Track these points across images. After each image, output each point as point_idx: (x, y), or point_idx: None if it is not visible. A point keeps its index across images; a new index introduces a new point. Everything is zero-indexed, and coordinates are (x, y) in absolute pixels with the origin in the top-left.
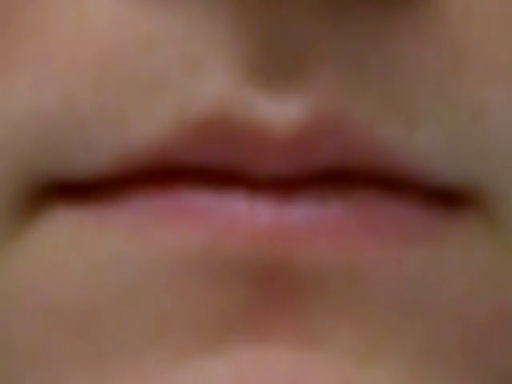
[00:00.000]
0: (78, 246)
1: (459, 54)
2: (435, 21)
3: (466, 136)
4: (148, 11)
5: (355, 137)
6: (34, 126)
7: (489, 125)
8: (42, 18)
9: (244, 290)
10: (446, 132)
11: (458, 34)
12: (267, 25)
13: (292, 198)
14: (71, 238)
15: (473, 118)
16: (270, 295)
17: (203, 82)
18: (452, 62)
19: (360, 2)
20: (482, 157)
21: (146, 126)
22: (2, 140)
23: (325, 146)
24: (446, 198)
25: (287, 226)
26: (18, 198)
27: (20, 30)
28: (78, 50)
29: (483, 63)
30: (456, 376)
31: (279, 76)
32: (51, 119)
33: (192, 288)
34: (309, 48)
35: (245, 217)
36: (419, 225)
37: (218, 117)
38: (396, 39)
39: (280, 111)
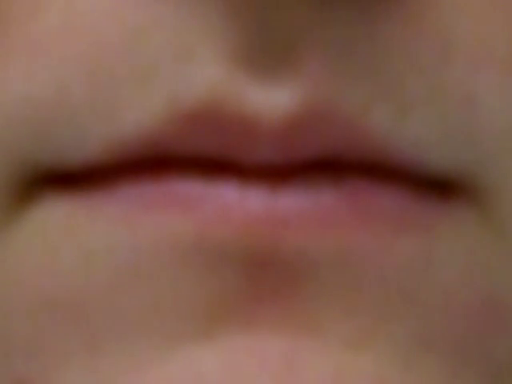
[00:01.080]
0: (69, 234)
1: (449, 42)
2: (425, 8)
3: (457, 124)
4: (138, 1)
5: (346, 125)
6: (27, 115)
7: (479, 112)
8: (34, 9)
9: (235, 277)
10: (437, 120)
11: (448, 20)
12: (257, 13)
13: (283, 186)
14: (62, 227)
15: (463, 106)
16: (261, 283)
17: (194, 71)
18: (442, 50)
19: None
20: (473, 144)
21: (137, 115)
22: None
23: (316, 135)
24: (438, 187)
25: (278, 213)
26: (8, 187)
27: (13, 20)
28: (70, 41)
29: (473, 50)
30: (448, 364)
31: (270, 64)
32: (44, 109)
33: (183, 275)
34: (299, 36)
35: (236, 205)
36: (410, 213)
37: (209, 106)
38: (385, 27)
39: (271, 100)
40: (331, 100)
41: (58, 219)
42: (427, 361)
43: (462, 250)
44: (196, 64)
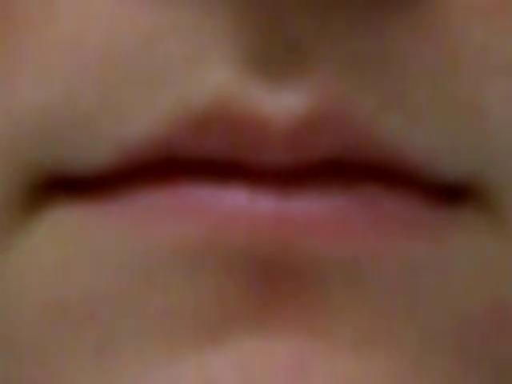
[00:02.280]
0: (80, 240)
1: (459, 49)
2: (436, 15)
3: (466, 131)
4: (149, 5)
5: (355, 129)
6: (37, 121)
7: (488, 120)
8: (45, 13)
9: (246, 281)
10: (446, 127)
11: (458, 29)
12: (267, 17)
13: (294, 190)
14: (73, 233)
15: (472, 114)
16: (272, 287)
17: (204, 75)
18: (451, 57)
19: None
20: (482, 152)
21: (147, 118)
22: (4, 135)
23: (325, 138)
24: (448, 193)
25: (289, 217)
26: (19, 194)
27: (22, 24)
28: (80, 45)
29: (483, 59)
30: (455, 369)
31: (280, 68)
32: (54, 114)
33: (194, 280)
34: (309, 41)
35: (246, 208)
36: (421, 218)
37: (219, 109)
38: (396, 33)
39: (281, 102)
40: (340, 104)
41: (70, 225)
42: (436, 364)
43: (473, 255)
44: (206, 67)
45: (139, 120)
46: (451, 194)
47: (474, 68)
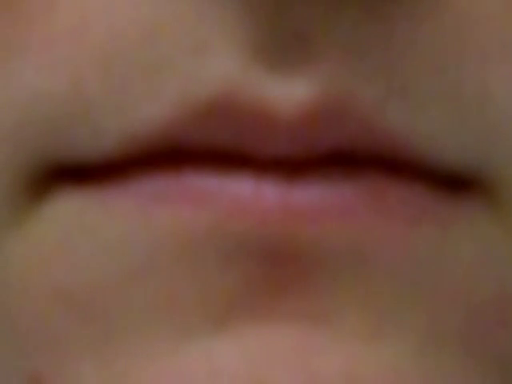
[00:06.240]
0: (84, 228)
1: (464, 38)
2: (440, 4)
3: (470, 120)
4: None
5: (361, 119)
6: (40, 110)
7: (493, 108)
8: (49, 4)
9: (250, 269)
10: (451, 116)
11: (463, 17)
12: (273, 6)
13: (299, 180)
14: (77, 221)
15: (477, 102)
16: (276, 274)
17: (209, 64)
18: (456, 46)
19: None
20: (486, 140)
21: (151, 108)
22: (7, 124)
23: (331, 127)
24: (452, 182)
25: (294, 206)
26: (23, 182)
27: (26, 14)
28: (84, 34)
29: (488, 47)
30: (459, 357)
31: (285, 57)
32: (57, 103)
33: (198, 268)
34: (315, 30)
35: (251, 198)
36: (425, 207)
37: (224, 98)
38: (401, 23)
39: (286, 92)
40: (346, 93)
41: (73, 213)
42: (439, 353)
43: (476, 245)
44: (211, 56)
45: (144, 109)
46: (455, 182)
47: (479, 56)
